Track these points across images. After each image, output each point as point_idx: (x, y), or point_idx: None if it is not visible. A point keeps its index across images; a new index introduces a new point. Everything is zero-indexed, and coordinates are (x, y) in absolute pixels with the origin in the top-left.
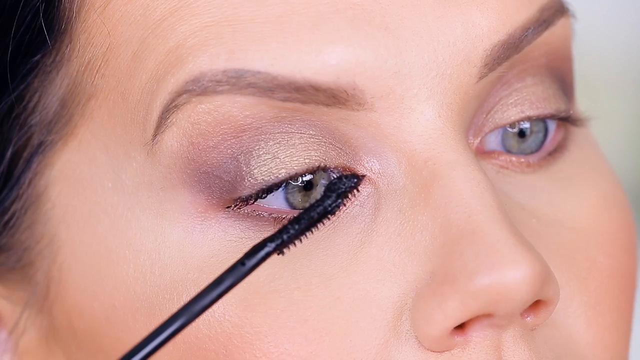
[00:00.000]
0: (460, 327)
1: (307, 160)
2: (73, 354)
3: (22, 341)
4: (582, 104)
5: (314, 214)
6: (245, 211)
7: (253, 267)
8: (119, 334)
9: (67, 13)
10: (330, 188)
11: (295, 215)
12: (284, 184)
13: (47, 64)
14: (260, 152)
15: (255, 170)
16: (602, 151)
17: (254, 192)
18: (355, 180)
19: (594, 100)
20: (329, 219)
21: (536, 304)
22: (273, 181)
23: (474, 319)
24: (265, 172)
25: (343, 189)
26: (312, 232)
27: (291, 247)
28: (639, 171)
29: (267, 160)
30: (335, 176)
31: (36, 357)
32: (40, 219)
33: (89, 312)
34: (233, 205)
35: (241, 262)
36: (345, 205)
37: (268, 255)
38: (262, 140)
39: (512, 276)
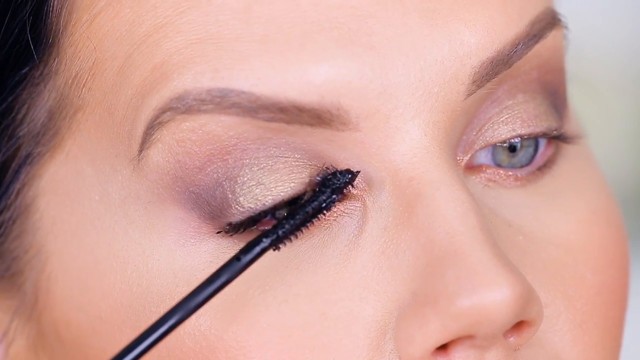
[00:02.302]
0: (443, 347)
1: (292, 185)
2: None
3: (12, 349)
4: (582, 104)
5: (309, 209)
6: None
7: (249, 263)
8: (105, 346)
9: (54, 27)
10: (324, 183)
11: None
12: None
13: (35, 77)
14: (245, 179)
15: (241, 198)
16: (597, 164)
17: (243, 219)
18: (350, 175)
19: (594, 100)
20: (324, 214)
21: (519, 325)
22: (260, 208)
23: (456, 340)
24: (251, 199)
25: (337, 185)
26: (307, 227)
27: (287, 243)
28: (639, 171)
29: (252, 187)
30: (330, 172)
31: None
32: (29, 229)
33: (75, 323)
34: (224, 231)
35: (237, 257)
36: (340, 201)
37: (264, 250)
38: (246, 165)
39: (492, 298)
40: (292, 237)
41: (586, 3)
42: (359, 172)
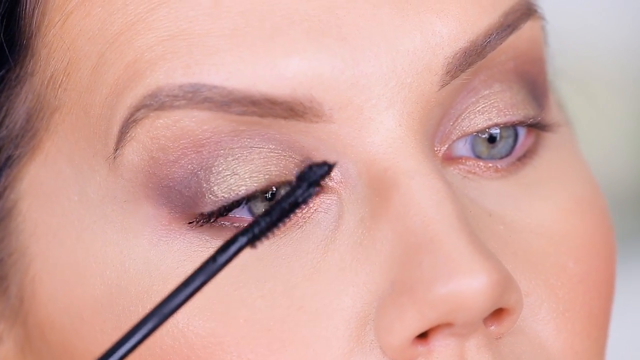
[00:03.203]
0: (423, 336)
1: (266, 176)
2: None
3: (0, 352)
4: (582, 104)
5: (285, 205)
6: (208, 225)
7: (225, 263)
8: (89, 347)
9: (27, 29)
10: (301, 177)
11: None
12: (245, 200)
13: (12, 79)
14: (220, 169)
15: (215, 187)
16: (581, 154)
17: (215, 208)
18: (327, 168)
19: (594, 100)
20: (301, 209)
21: (499, 313)
22: (233, 198)
23: (436, 328)
24: (225, 189)
25: (314, 178)
26: (284, 223)
27: (263, 240)
28: (639, 171)
29: (227, 177)
30: (306, 165)
31: None
32: (12, 232)
33: (59, 325)
34: (195, 221)
35: (213, 258)
36: (316, 194)
37: (240, 249)
38: (221, 155)
39: (468, 285)
40: (269, 234)
41: (585, 3)
42: (336, 163)
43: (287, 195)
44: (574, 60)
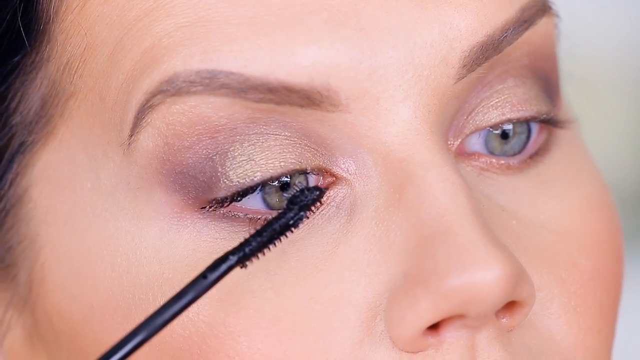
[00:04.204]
0: (435, 327)
1: (282, 163)
2: (54, 354)
3: (7, 340)
4: (582, 104)
5: (276, 227)
6: (221, 212)
7: (215, 281)
8: (98, 335)
9: (45, 14)
10: (292, 201)
11: (260, 227)
12: (260, 186)
13: (27, 65)
14: (236, 154)
15: (231, 172)
16: (590, 152)
17: (229, 194)
18: (318, 193)
19: (594, 100)
20: (291, 231)
21: (511, 305)
22: (248, 184)
23: (448, 320)
24: (241, 174)
25: (305, 202)
26: (274, 244)
27: (253, 260)
28: (639, 171)
29: (243, 162)
30: (298, 188)
31: (21, 356)
32: (23, 219)
33: (68, 313)
34: (208, 207)
35: (203, 275)
36: (308, 218)
37: (230, 268)
38: (237, 141)
39: (482, 277)
40: (259, 255)
41: (585, 2)
42: (327, 189)
43: (279, 217)
44: (573, 61)
